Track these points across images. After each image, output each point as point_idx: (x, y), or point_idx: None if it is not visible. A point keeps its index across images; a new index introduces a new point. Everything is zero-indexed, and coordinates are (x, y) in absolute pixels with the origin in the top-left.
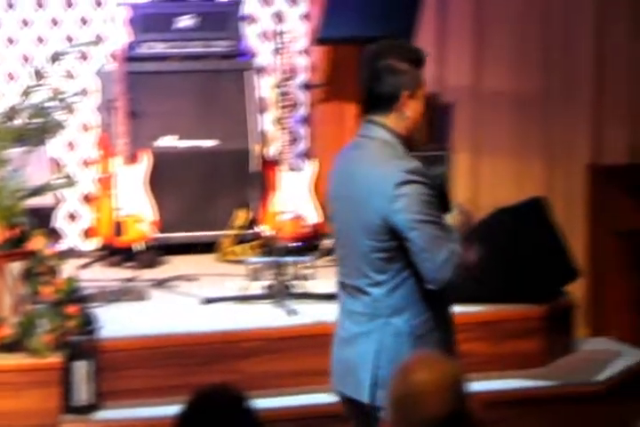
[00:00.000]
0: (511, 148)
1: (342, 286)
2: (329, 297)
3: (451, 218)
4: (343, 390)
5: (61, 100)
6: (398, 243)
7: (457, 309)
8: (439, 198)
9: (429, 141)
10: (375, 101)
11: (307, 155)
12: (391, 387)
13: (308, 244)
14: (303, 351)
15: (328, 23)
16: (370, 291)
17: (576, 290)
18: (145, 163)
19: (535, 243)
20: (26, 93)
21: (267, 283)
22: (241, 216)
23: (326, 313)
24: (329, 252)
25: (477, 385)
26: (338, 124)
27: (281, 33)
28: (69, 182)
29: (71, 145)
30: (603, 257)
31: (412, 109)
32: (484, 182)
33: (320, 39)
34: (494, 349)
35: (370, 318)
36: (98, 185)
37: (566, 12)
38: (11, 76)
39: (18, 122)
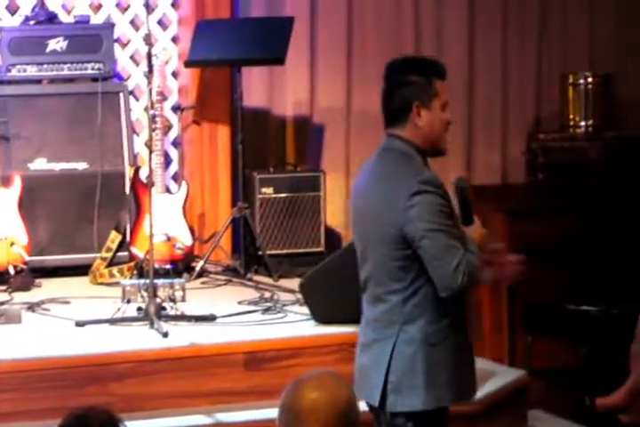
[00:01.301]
0: None
1: (363, 293)
2: (202, 319)
3: (473, 230)
4: (360, 394)
5: None
6: (412, 252)
7: (328, 330)
8: (461, 210)
9: (301, 163)
10: (390, 115)
11: (178, 177)
12: (283, 396)
13: (181, 266)
14: (177, 373)
15: (198, 46)
16: (386, 298)
17: None
18: (17, 186)
19: None
20: None
21: (140, 305)
22: (114, 238)
23: (199, 335)
24: (201, 273)
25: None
26: (209, 147)
27: (151, 55)
28: None
29: None
30: None
31: (425, 120)
32: None
33: (190, 62)
34: None
35: (386, 325)
36: None
37: (437, 32)
38: None
39: None
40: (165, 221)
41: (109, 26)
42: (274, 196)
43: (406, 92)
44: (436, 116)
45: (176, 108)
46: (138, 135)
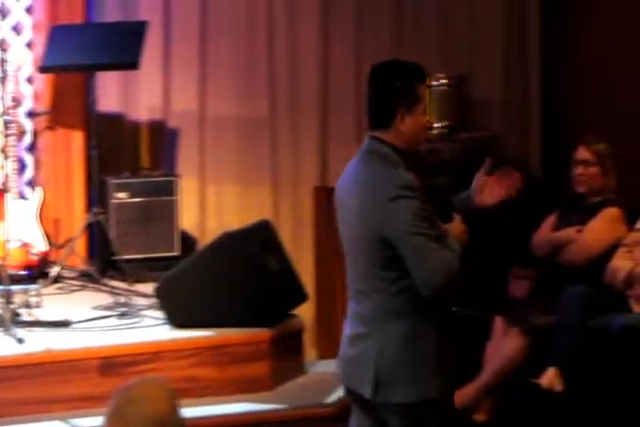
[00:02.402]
0: (237, 172)
1: (350, 289)
2: (57, 325)
3: (453, 227)
4: (348, 383)
5: None
6: (394, 253)
7: (184, 334)
8: (441, 209)
9: (156, 168)
10: (374, 119)
11: (33, 183)
12: (111, 402)
13: (36, 272)
14: (32, 379)
15: (51, 51)
16: (371, 295)
17: (305, 312)
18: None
19: (262, 265)
20: None
21: None
22: None
23: (55, 341)
24: (57, 279)
25: (205, 410)
26: (64, 152)
27: (5, 61)
28: None
29: None
30: (330, 279)
31: (409, 125)
32: (211, 207)
33: (44, 67)
34: (222, 373)
35: (371, 321)
36: None
37: (291, 34)
38: None
39: None
40: (20, 227)
41: None
42: (129, 200)
43: (391, 99)
44: (418, 120)
45: (30, 114)
46: None
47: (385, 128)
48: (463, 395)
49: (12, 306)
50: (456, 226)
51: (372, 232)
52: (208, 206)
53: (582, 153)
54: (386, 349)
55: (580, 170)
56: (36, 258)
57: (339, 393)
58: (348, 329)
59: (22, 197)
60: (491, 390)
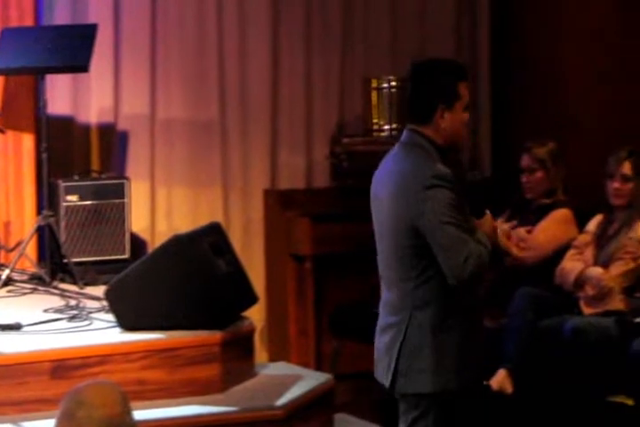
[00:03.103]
0: (188, 175)
1: (381, 277)
2: (7, 328)
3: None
4: (377, 375)
5: None
6: (423, 242)
7: (134, 337)
8: (473, 204)
9: (106, 170)
10: (414, 114)
11: None
12: (62, 404)
13: None
14: None
15: (1, 54)
16: (400, 284)
17: (255, 315)
18: None
19: (212, 268)
20: None
21: None
22: None
23: (5, 344)
24: (7, 282)
25: (156, 413)
26: (14, 155)
27: None
28: None
29: None
30: (280, 282)
31: (448, 122)
32: (161, 210)
33: None
34: (173, 376)
35: (399, 310)
36: None
37: (241, 35)
38: None
39: None
40: None
41: None
42: (79, 203)
43: (432, 95)
44: (457, 117)
45: None
46: None
47: (424, 123)
48: None
49: None
50: (487, 222)
51: (404, 220)
52: (158, 209)
53: (525, 160)
54: (409, 338)
55: (525, 178)
56: None
57: (289, 396)
58: (380, 320)
59: None
60: None
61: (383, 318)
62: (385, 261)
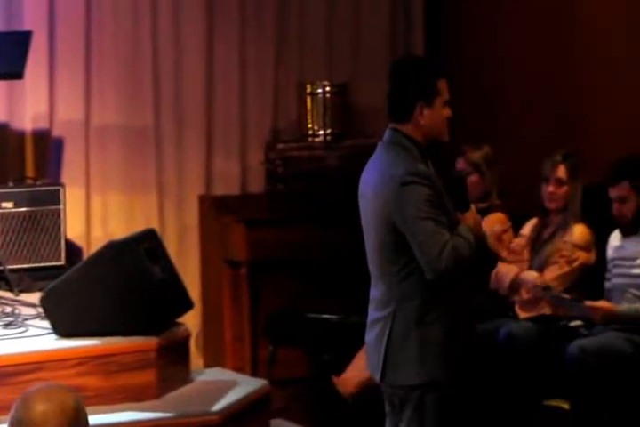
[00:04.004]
0: (123, 181)
1: (370, 274)
2: None
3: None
4: (369, 370)
5: None
6: (403, 238)
7: (70, 343)
8: (457, 199)
9: (41, 177)
10: (394, 112)
11: None
12: (12, 410)
13: None
14: None
15: None
16: (384, 280)
17: (190, 320)
18: None
19: (147, 274)
20: None
21: None
22: None
23: None
24: None
25: (92, 419)
26: None
27: None
28: None
29: None
30: (216, 287)
31: (427, 118)
32: (96, 216)
33: None
34: (107, 382)
35: (385, 305)
36: None
37: (175, 41)
38: None
39: None
40: None
41: None
42: (13, 210)
43: (410, 93)
44: (437, 114)
45: None
46: None
47: (404, 121)
48: (347, 383)
49: None
50: (470, 216)
51: (384, 217)
52: (93, 216)
53: (460, 164)
54: (395, 331)
55: None
56: None
57: (225, 402)
58: (368, 315)
59: None
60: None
61: (371, 314)
62: (370, 259)
